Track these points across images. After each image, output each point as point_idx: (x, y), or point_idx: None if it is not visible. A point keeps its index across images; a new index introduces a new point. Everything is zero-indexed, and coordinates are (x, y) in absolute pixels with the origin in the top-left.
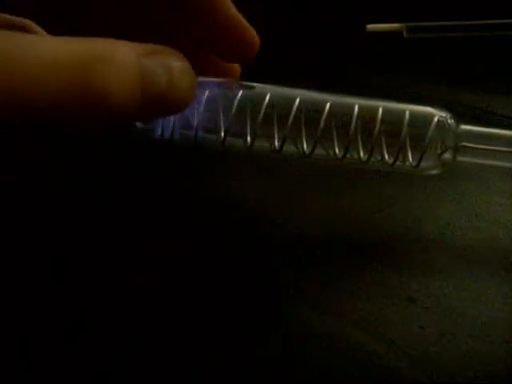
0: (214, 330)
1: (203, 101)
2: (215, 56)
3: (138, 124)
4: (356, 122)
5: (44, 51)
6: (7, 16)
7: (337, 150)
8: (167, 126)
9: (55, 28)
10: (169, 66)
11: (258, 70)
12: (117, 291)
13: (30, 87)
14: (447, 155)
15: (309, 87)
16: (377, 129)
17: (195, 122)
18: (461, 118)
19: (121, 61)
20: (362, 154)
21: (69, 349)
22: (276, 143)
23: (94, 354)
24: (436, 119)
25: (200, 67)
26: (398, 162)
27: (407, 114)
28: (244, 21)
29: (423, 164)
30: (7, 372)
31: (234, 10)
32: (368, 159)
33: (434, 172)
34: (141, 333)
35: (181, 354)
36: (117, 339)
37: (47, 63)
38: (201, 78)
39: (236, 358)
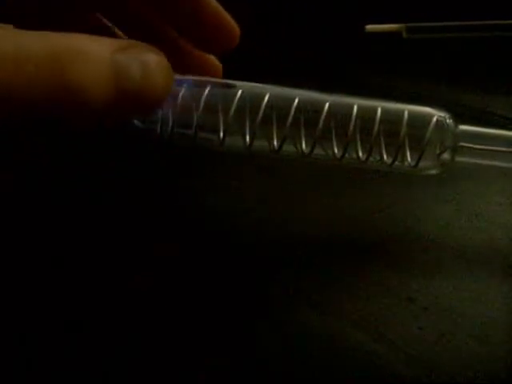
0: (213, 330)
1: (202, 100)
2: (195, 48)
3: (138, 124)
4: (355, 121)
5: (17, 45)
6: None
7: (336, 150)
8: (166, 125)
9: (54, 28)
10: (144, 61)
11: (258, 70)
12: (115, 290)
13: (2, 81)
14: (446, 155)
15: (308, 87)
16: (376, 129)
17: (194, 122)
18: (460, 118)
19: (94, 55)
20: (360, 153)
21: (68, 348)
22: (275, 143)
23: (93, 354)
24: (435, 119)
25: (180, 63)
26: (396, 162)
27: (406, 114)
28: (223, 11)
29: (422, 164)
30: (7, 372)
31: (213, 0)
32: (367, 159)
33: (433, 172)
34: (140, 332)
35: (180, 354)
36: (116, 338)
37: (19, 57)
38: (196, 77)
39: (236, 358)
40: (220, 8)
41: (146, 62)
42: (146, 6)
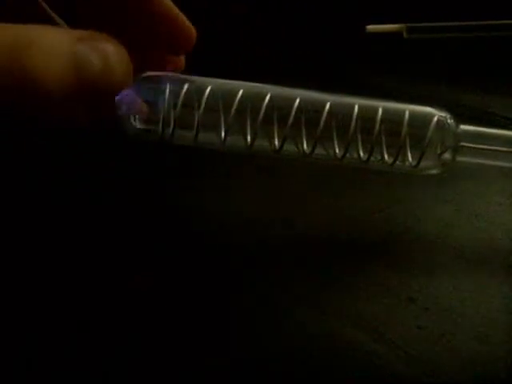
0: (213, 330)
1: (203, 100)
2: (149, 48)
3: (139, 124)
4: (356, 121)
5: None
6: None
7: (337, 150)
8: (168, 125)
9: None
10: (103, 51)
11: (258, 70)
12: (115, 290)
13: None
14: (447, 155)
15: (309, 87)
16: (376, 129)
17: (196, 122)
18: (460, 118)
19: (54, 46)
20: (361, 153)
21: (68, 347)
22: (276, 143)
23: (93, 353)
24: (436, 119)
25: (141, 60)
26: (397, 162)
27: (407, 113)
28: (178, 12)
29: (423, 164)
30: (7, 372)
31: (168, 1)
32: (368, 159)
33: (434, 172)
34: (140, 332)
35: (180, 354)
36: (116, 338)
37: None
38: (197, 77)
39: (236, 358)
40: (175, 8)
41: (106, 53)
42: (94, 7)
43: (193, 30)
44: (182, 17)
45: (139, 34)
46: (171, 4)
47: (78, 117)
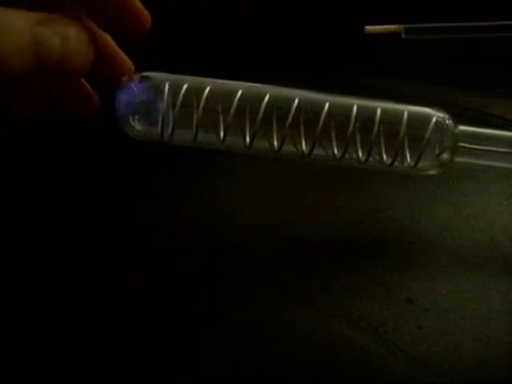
0: (213, 330)
1: (202, 100)
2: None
3: (138, 124)
4: (354, 122)
5: None
6: None
7: (335, 150)
8: (167, 125)
9: None
10: (63, 32)
11: (257, 71)
12: (115, 290)
13: None
14: (445, 155)
15: (307, 88)
16: (375, 129)
17: (195, 122)
18: (458, 119)
19: (13, 25)
20: (360, 154)
21: (68, 347)
22: (275, 143)
23: (92, 353)
24: (434, 120)
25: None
26: (396, 163)
27: (405, 114)
28: None
29: (421, 164)
30: (7, 372)
31: None
32: (366, 159)
33: (433, 172)
34: (140, 331)
35: (180, 354)
36: (115, 337)
37: None
38: (196, 77)
39: (236, 358)
40: None
41: (66, 34)
42: None
43: (145, 13)
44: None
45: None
46: None
47: (38, 97)
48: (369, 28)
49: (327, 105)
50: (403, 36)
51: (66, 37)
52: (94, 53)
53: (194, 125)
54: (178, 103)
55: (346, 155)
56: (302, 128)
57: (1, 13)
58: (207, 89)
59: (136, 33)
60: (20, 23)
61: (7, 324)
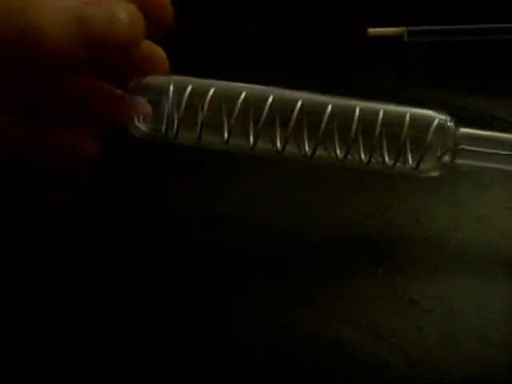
0: (212, 330)
1: (206, 102)
2: None
3: (142, 125)
4: (357, 124)
5: None
6: None
7: (338, 152)
8: (171, 126)
9: None
10: (108, 7)
11: (258, 73)
12: (115, 289)
13: None
14: (447, 157)
15: (309, 90)
16: (377, 131)
17: (199, 123)
18: (460, 121)
19: (53, 5)
20: (362, 155)
21: (67, 347)
22: (278, 145)
23: (91, 353)
24: (436, 122)
25: None
26: (398, 164)
27: (407, 116)
28: None
29: (423, 166)
30: (7, 372)
31: None
32: (369, 161)
33: (434, 174)
34: (139, 331)
35: (180, 354)
36: (115, 337)
37: None
38: (201, 79)
39: (235, 358)
40: None
41: (110, 8)
42: None
43: (168, 7)
44: None
45: None
46: None
47: (82, 71)
48: (371, 30)
49: (330, 107)
50: (406, 38)
51: (109, 9)
52: (142, 29)
53: (199, 126)
54: (183, 104)
55: (349, 157)
56: (305, 130)
57: None
58: (211, 90)
59: (161, 27)
60: (65, 3)
61: (6, 324)
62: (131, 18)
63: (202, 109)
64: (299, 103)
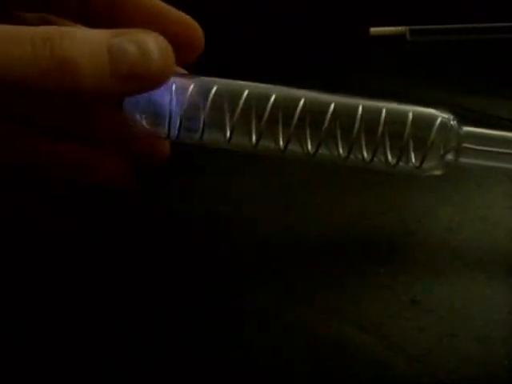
0: (212, 330)
1: (209, 100)
2: None
3: (145, 123)
4: (360, 122)
5: (8, 29)
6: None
7: (341, 151)
8: (174, 124)
9: None
10: (140, 40)
11: (259, 72)
12: (114, 289)
13: (3, 59)
14: (450, 156)
15: (312, 89)
16: (380, 129)
17: (201, 122)
18: (464, 120)
19: (85, 36)
20: (365, 154)
21: (67, 347)
22: (281, 143)
23: (90, 352)
24: (439, 120)
25: None
26: (400, 163)
27: (410, 115)
28: (184, 15)
29: (426, 165)
30: (7, 371)
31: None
32: (371, 160)
33: (437, 173)
34: (138, 331)
35: (179, 354)
36: (114, 337)
37: (10, 35)
38: (203, 77)
39: (235, 358)
40: (171, 8)
41: (143, 42)
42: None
43: (198, 30)
44: (189, 19)
45: None
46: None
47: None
48: (373, 30)
49: (333, 105)
50: (408, 38)
51: (142, 43)
52: (173, 61)
53: (201, 124)
54: (186, 102)
55: (351, 155)
56: (307, 128)
57: (75, 28)
58: (214, 88)
59: (193, 51)
60: (95, 35)
61: (6, 324)
62: (161, 51)
63: (205, 107)
64: (302, 101)
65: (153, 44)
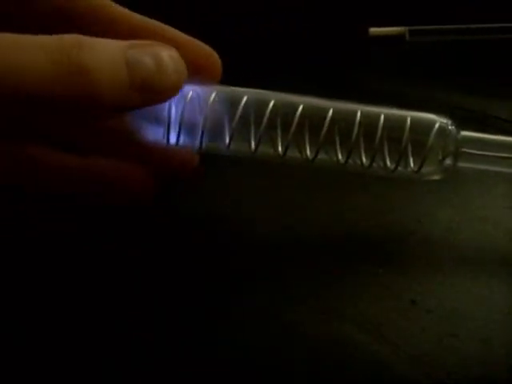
0: (212, 330)
1: (208, 106)
2: None
3: (143, 129)
4: (358, 128)
5: (30, 39)
6: None
7: (339, 156)
8: (173, 130)
9: None
10: (156, 53)
11: (257, 75)
12: (114, 289)
13: (18, 67)
14: (448, 161)
15: (308, 92)
16: (379, 135)
17: (200, 128)
18: (462, 121)
19: (103, 46)
20: (364, 159)
21: (67, 347)
22: (280, 149)
23: (89, 352)
24: (437, 125)
25: None
26: (399, 168)
27: (409, 120)
28: (198, 42)
29: (424, 169)
30: (7, 372)
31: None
32: (370, 165)
33: (435, 177)
34: (138, 330)
35: (179, 355)
36: (113, 337)
37: (29, 45)
38: (202, 84)
39: (235, 358)
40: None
41: (159, 55)
42: None
43: (216, 58)
44: (204, 46)
45: None
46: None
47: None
48: (373, 30)
49: (331, 111)
50: (407, 38)
51: (158, 57)
52: (185, 75)
53: (200, 131)
54: (184, 108)
55: (350, 161)
56: (306, 134)
57: (92, 37)
58: (213, 95)
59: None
60: (113, 45)
61: (6, 324)
62: (175, 64)
63: (203, 113)
64: (300, 107)
65: (167, 58)
